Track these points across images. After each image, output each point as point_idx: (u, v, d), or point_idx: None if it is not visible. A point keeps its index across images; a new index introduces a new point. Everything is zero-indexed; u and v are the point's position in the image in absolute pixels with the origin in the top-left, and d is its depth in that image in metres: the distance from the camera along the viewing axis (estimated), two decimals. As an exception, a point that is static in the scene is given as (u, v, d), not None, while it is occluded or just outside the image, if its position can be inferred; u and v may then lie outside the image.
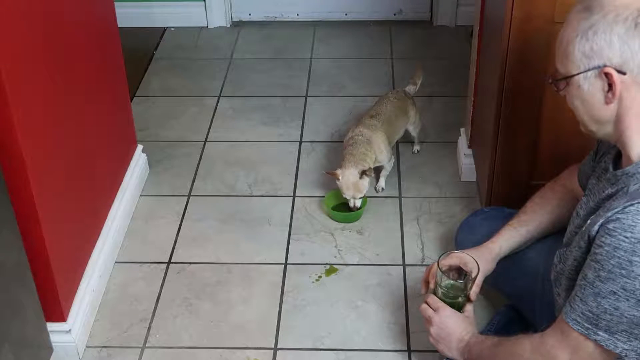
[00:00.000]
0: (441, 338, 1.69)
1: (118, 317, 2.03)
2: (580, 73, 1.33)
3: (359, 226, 2.35)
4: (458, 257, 1.73)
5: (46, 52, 1.76)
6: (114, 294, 2.11)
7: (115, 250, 2.22)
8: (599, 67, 1.31)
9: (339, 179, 2.31)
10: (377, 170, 2.45)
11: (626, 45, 1.28)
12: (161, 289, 2.12)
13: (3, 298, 1.59)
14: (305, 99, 3.03)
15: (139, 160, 2.50)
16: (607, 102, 1.33)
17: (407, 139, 2.68)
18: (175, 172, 2.60)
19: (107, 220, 2.19)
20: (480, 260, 1.71)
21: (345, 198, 2.34)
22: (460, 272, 1.73)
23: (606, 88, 1.32)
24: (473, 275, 1.69)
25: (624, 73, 1.30)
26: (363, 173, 2.28)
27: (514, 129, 2.03)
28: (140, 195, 2.48)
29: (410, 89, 2.66)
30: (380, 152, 2.39)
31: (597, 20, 1.30)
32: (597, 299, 1.33)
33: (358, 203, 2.33)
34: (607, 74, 1.30)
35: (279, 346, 1.94)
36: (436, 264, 1.71)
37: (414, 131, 2.64)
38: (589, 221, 1.38)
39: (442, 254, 1.75)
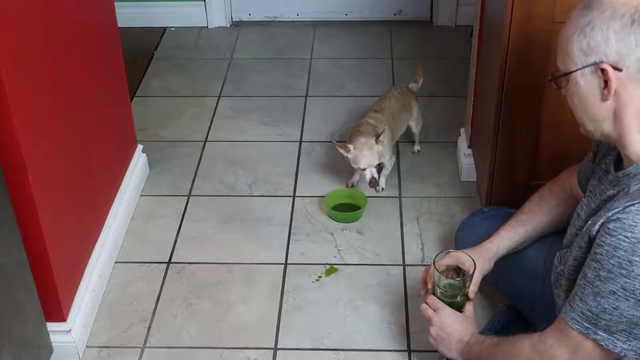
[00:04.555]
0: (441, 338, 1.69)
1: (118, 317, 2.03)
2: (578, 70, 1.34)
3: (359, 226, 2.35)
4: (455, 257, 1.73)
5: (46, 52, 1.76)
6: (114, 294, 2.11)
7: (115, 250, 2.22)
8: (595, 63, 1.31)
9: (350, 151, 2.30)
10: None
11: (622, 42, 1.28)
12: (161, 289, 2.12)
13: (3, 298, 1.59)
14: (305, 99, 3.03)
15: (139, 160, 2.50)
16: (603, 99, 1.33)
17: (407, 139, 2.68)
18: (175, 172, 2.60)
19: (107, 220, 2.19)
20: (478, 259, 1.71)
21: (345, 198, 2.33)
22: (458, 271, 1.73)
23: (602, 85, 1.32)
24: (470, 273, 1.69)
25: (620, 70, 1.30)
26: (377, 138, 2.28)
27: (514, 129, 2.03)
28: (140, 195, 2.48)
29: (413, 86, 2.67)
30: (384, 147, 2.39)
31: (594, 17, 1.30)
32: (596, 299, 1.33)
33: (376, 174, 2.33)
34: (602, 70, 1.31)
35: (279, 346, 1.94)
36: (433, 264, 1.71)
37: (415, 128, 2.63)
38: (589, 222, 1.38)
39: (439, 254, 1.75)
